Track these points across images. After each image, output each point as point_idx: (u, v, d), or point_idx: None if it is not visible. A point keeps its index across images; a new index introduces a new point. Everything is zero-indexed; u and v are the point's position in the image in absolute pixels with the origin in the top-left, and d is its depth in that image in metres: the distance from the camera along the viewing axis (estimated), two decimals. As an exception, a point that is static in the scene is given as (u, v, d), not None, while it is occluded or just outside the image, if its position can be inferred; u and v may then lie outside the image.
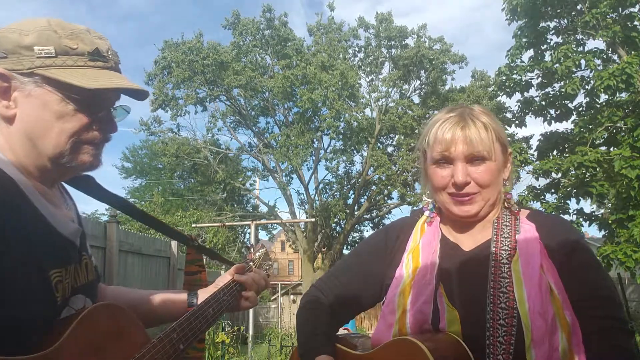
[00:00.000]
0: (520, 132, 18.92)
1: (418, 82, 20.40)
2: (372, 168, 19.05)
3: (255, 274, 1.39)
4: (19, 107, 0.87)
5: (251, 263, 1.47)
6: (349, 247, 22.97)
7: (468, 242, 1.18)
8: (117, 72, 0.96)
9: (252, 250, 1.55)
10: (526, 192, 10.68)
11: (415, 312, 1.09)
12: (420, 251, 1.19)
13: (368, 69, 20.57)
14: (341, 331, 1.35)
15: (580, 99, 10.80)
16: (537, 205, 10.86)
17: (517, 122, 11.62)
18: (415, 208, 1.36)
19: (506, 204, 1.20)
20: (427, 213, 1.27)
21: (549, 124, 11.20)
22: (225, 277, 1.34)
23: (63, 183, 1.05)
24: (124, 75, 0.99)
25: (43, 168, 0.91)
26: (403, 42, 19.81)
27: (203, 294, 1.27)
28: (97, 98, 0.91)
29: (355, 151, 19.58)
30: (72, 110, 0.89)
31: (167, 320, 1.21)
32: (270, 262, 1.58)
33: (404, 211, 22.72)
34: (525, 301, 1.00)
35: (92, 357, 0.85)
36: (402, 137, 18.54)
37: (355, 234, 22.40)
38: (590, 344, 0.99)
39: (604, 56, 10.38)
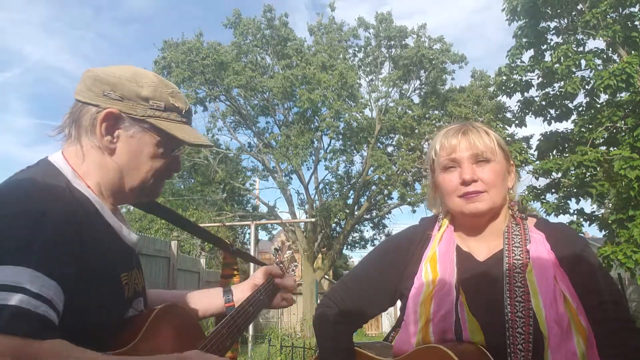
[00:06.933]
0: (520, 132, 18.87)
1: (418, 82, 20.36)
2: (372, 168, 19.02)
3: (289, 278, 1.54)
4: (119, 143, 1.04)
5: (281, 265, 1.59)
6: (349, 247, 22.94)
7: (481, 251, 1.23)
8: (192, 127, 1.16)
9: (279, 252, 1.65)
10: (526, 192, 10.66)
11: (438, 322, 1.14)
12: (437, 260, 1.22)
13: (368, 69, 20.54)
14: None
15: (580, 98, 10.81)
16: (537, 205, 10.85)
17: (517, 122, 11.61)
18: (423, 216, 1.41)
19: (511, 213, 1.25)
20: (440, 217, 1.31)
21: (549, 123, 11.20)
22: (257, 275, 1.47)
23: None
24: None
25: (121, 193, 1.09)
26: (403, 42, 19.78)
27: (236, 290, 1.41)
28: (179, 146, 1.12)
29: (355, 151, 19.56)
30: (161, 153, 1.08)
31: (206, 316, 1.37)
32: (295, 264, 1.69)
33: (404, 211, 22.74)
34: (542, 310, 1.06)
35: (164, 350, 0.98)
36: (402, 137, 18.50)
37: (355, 234, 22.38)
38: (604, 346, 1.05)
39: (604, 56, 10.38)
